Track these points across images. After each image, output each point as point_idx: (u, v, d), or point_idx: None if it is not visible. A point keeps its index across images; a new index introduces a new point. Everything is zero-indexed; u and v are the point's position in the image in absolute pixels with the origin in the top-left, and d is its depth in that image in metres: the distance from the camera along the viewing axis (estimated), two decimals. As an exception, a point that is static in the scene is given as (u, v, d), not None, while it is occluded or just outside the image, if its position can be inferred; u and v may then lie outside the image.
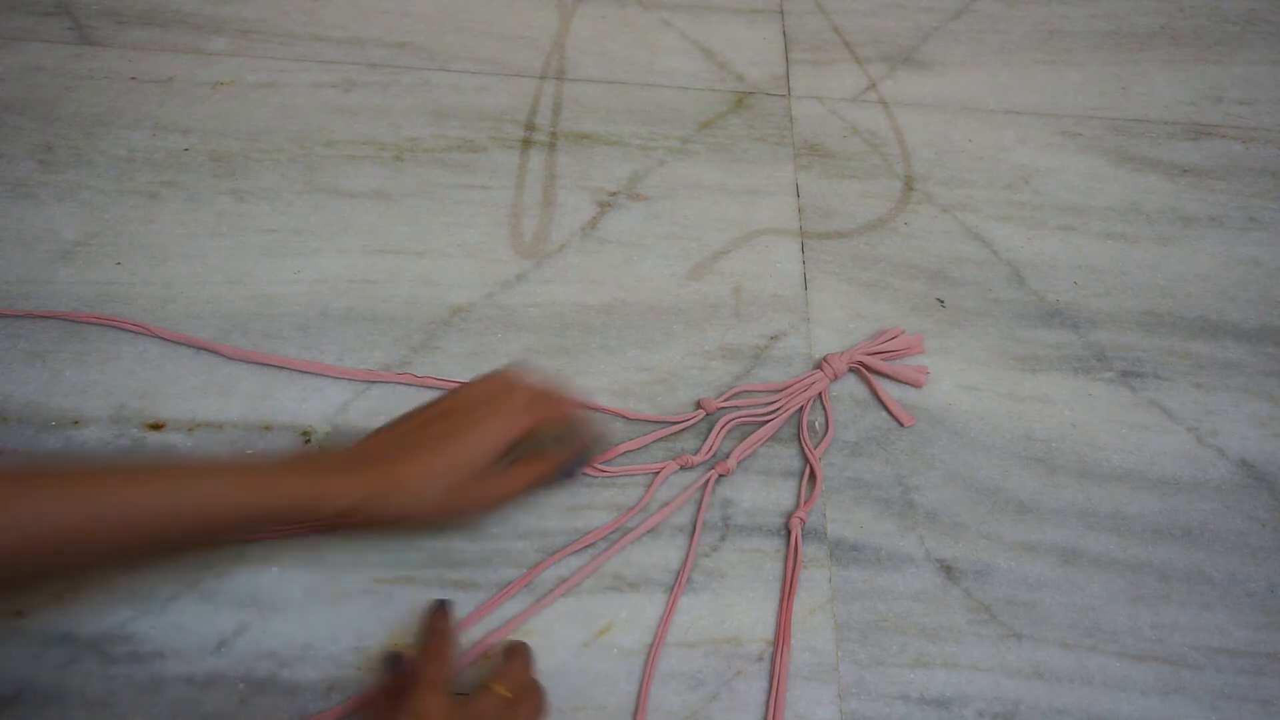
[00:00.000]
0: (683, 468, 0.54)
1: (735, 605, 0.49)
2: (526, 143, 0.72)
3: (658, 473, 0.53)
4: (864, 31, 0.85)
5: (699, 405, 0.57)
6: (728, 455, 0.54)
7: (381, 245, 0.64)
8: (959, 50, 0.84)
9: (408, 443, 0.42)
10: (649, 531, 0.51)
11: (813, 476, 0.54)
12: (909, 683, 0.47)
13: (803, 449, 0.55)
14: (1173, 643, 0.50)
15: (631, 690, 0.46)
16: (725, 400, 0.57)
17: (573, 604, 0.49)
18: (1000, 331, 0.63)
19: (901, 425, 0.57)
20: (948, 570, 0.51)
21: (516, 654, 0.44)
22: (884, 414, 0.58)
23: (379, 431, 0.44)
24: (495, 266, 0.63)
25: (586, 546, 0.50)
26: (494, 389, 0.44)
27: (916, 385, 0.59)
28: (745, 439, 0.55)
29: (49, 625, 0.46)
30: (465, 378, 0.56)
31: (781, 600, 0.49)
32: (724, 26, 0.84)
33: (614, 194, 0.69)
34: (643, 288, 0.63)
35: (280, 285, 0.61)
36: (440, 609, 0.44)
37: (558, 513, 0.52)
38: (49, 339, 0.56)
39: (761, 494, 0.54)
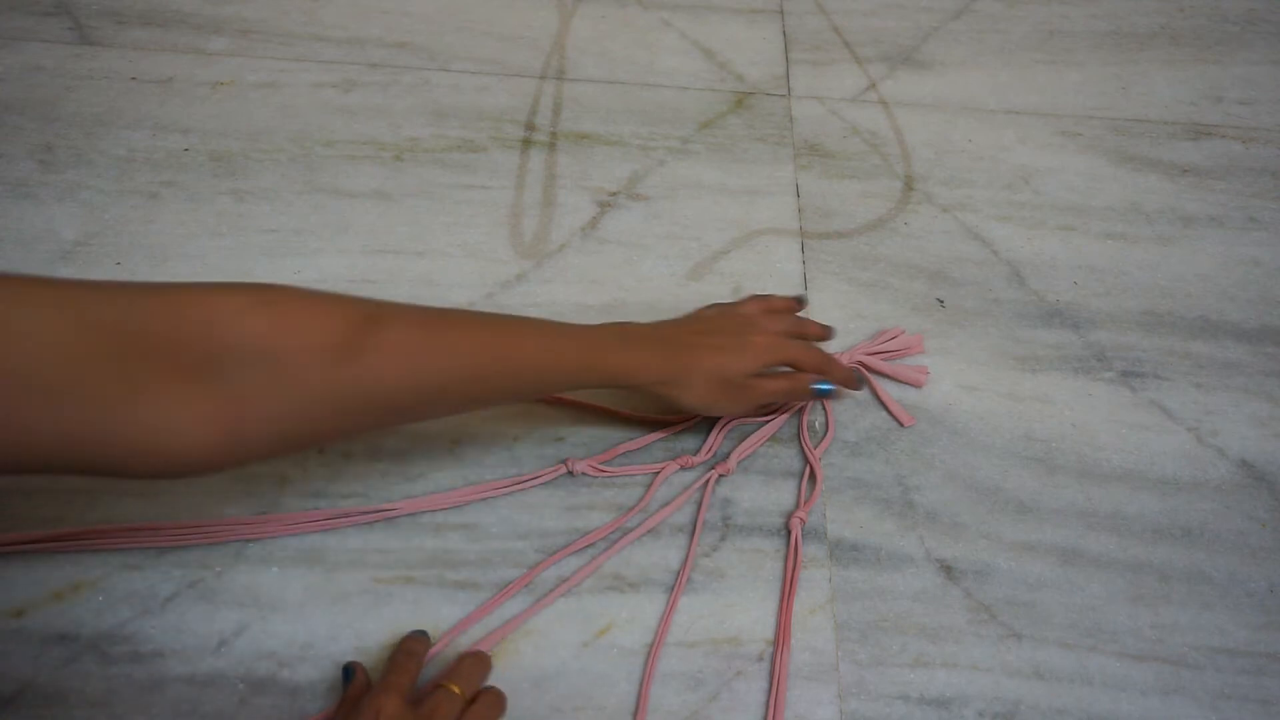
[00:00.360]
0: (683, 468, 0.54)
1: (735, 605, 0.49)
2: (526, 143, 0.72)
3: (658, 473, 0.53)
4: (864, 31, 0.85)
5: None
6: (727, 455, 0.54)
7: (381, 245, 0.64)
8: (959, 50, 0.84)
9: (696, 343, 0.50)
10: (649, 532, 0.51)
11: (813, 476, 0.54)
12: (909, 683, 0.47)
13: (803, 449, 0.55)
14: (1173, 643, 0.50)
15: (631, 690, 0.46)
16: None
17: (573, 604, 0.49)
18: (1000, 331, 0.63)
19: (902, 425, 0.57)
20: (948, 570, 0.51)
21: (471, 657, 0.44)
22: (884, 414, 0.58)
23: (667, 323, 0.53)
24: (495, 266, 0.63)
25: (587, 546, 0.50)
26: (739, 323, 0.53)
27: (916, 385, 0.59)
28: (745, 439, 0.55)
29: (49, 625, 0.46)
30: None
31: (781, 600, 0.49)
32: (724, 26, 0.84)
33: (614, 194, 0.69)
34: (643, 288, 0.63)
35: (280, 285, 0.61)
36: (418, 635, 0.45)
37: (557, 513, 0.52)
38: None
39: (761, 494, 0.54)
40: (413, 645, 0.44)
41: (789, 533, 0.52)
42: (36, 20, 0.77)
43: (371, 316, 0.39)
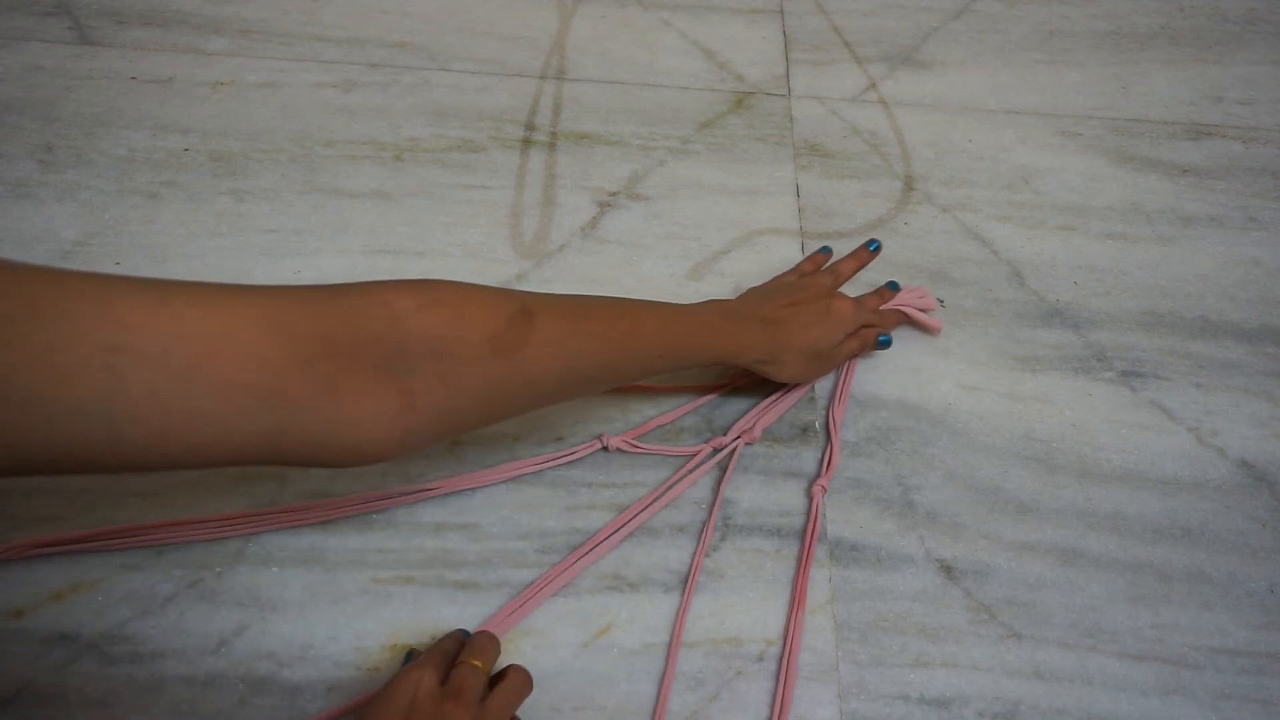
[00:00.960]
0: (715, 449, 0.54)
1: (735, 605, 0.49)
2: (526, 143, 0.72)
3: (693, 455, 0.54)
4: (864, 31, 0.85)
5: (725, 375, 0.58)
6: (753, 426, 0.55)
7: (381, 245, 0.64)
8: (959, 50, 0.84)
9: (790, 318, 0.53)
10: (649, 531, 0.51)
11: (831, 446, 0.55)
12: (909, 683, 0.47)
13: (827, 418, 0.57)
14: (1173, 643, 0.50)
15: (632, 690, 0.46)
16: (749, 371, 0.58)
17: (572, 604, 0.49)
18: (1000, 331, 0.63)
19: (934, 333, 0.61)
20: (948, 570, 0.51)
21: (484, 635, 0.44)
22: (884, 414, 0.58)
23: (754, 296, 0.56)
24: (495, 266, 0.63)
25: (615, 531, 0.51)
26: (826, 290, 0.56)
27: (928, 309, 0.61)
28: (768, 411, 0.56)
29: (49, 625, 0.46)
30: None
31: (798, 571, 0.50)
32: (724, 26, 0.84)
33: (614, 194, 0.69)
34: (643, 288, 0.63)
35: (280, 285, 0.61)
36: (465, 635, 0.45)
37: (557, 513, 0.52)
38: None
39: (761, 494, 0.54)
40: (459, 637, 0.45)
41: (810, 500, 0.53)
42: (36, 20, 0.77)
43: (525, 309, 0.41)
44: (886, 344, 0.58)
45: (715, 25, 0.85)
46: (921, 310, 0.61)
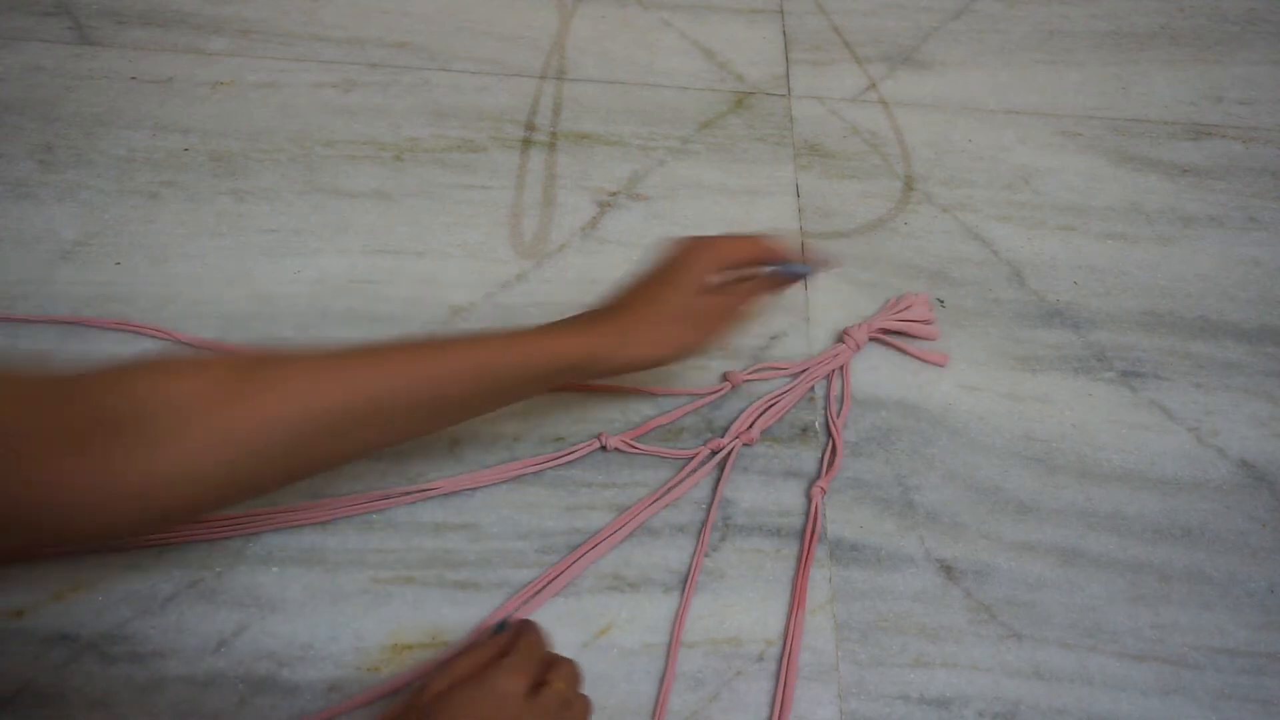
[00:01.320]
0: (714, 452, 0.54)
1: (735, 605, 0.49)
2: (526, 143, 0.72)
3: (691, 458, 0.54)
4: (864, 31, 0.85)
5: (724, 378, 0.58)
6: (750, 426, 0.55)
7: (381, 245, 0.64)
8: (959, 50, 0.84)
9: (627, 301, 0.48)
10: (649, 531, 0.51)
11: (834, 449, 0.55)
12: (909, 683, 0.47)
13: (828, 421, 0.56)
14: (1173, 643, 0.50)
15: (631, 690, 0.46)
16: (749, 374, 0.58)
17: (572, 604, 0.49)
18: (1000, 331, 0.63)
19: (940, 366, 0.60)
20: (948, 570, 0.51)
21: (574, 666, 0.43)
22: (884, 414, 0.58)
23: (602, 304, 0.49)
24: (495, 266, 0.63)
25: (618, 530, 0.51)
26: (673, 247, 0.50)
27: (931, 338, 0.61)
28: (766, 411, 0.56)
29: (49, 625, 0.46)
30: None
31: (798, 571, 0.50)
32: (724, 26, 0.84)
33: (614, 194, 0.69)
34: (643, 288, 0.63)
35: (280, 285, 0.61)
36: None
37: (557, 513, 0.52)
38: (49, 339, 0.56)
39: (761, 494, 0.54)
40: (541, 638, 0.43)
41: (809, 501, 0.53)
42: (36, 20, 0.77)
43: (259, 359, 0.39)
44: (796, 274, 0.51)
45: (715, 25, 0.85)
46: (923, 322, 0.61)
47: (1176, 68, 0.84)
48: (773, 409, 0.56)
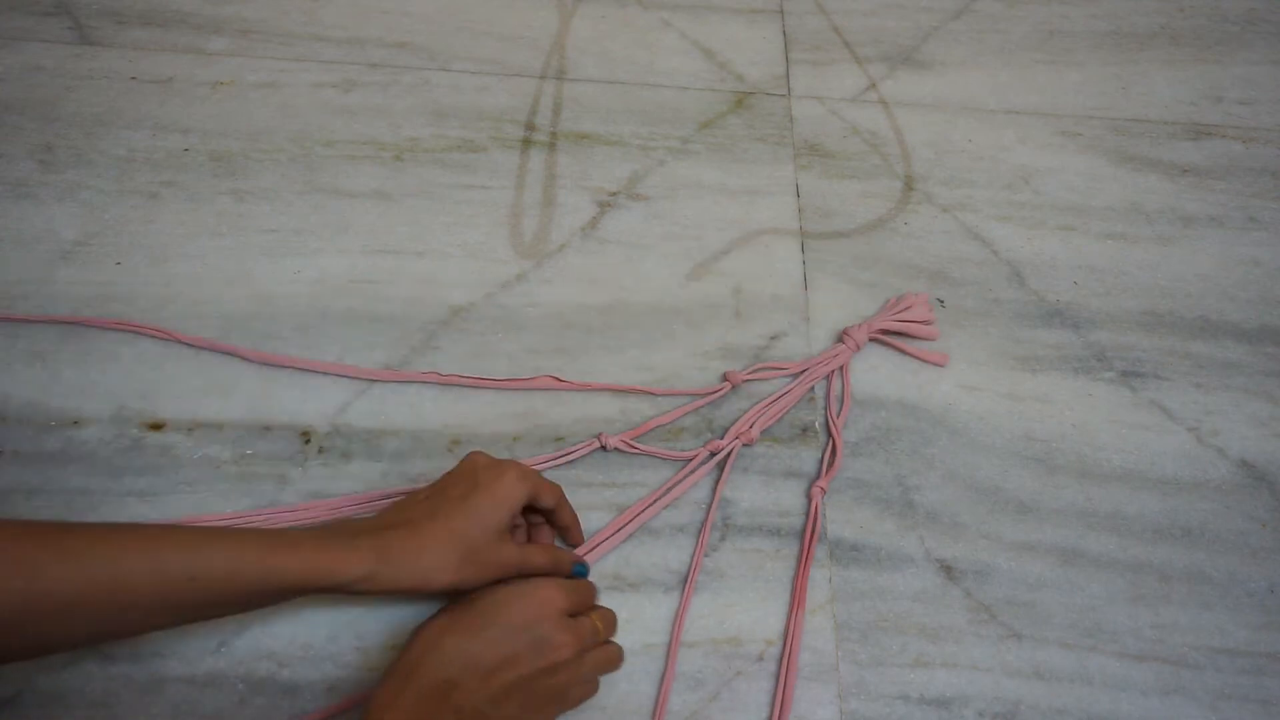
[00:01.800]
0: (713, 453, 0.54)
1: (735, 605, 0.49)
2: (526, 143, 0.72)
3: (690, 459, 0.54)
4: (864, 31, 0.85)
5: (724, 378, 0.58)
6: (750, 428, 0.55)
7: (381, 245, 0.64)
8: (959, 50, 0.84)
9: (414, 516, 0.43)
10: (649, 532, 0.51)
11: (834, 449, 0.55)
12: (909, 683, 0.47)
13: (828, 421, 0.56)
14: (1173, 643, 0.50)
15: (631, 690, 0.46)
16: (749, 374, 0.58)
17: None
18: (1000, 331, 0.63)
19: (940, 366, 0.60)
20: (948, 570, 0.51)
21: (612, 615, 0.46)
22: (884, 414, 0.58)
23: (390, 508, 0.45)
24: (495, 266, 0.63)
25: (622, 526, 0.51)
26: (482, 465, 0.45)
27: (931, 338, 0.61)
28: (767, 412, 0.56)
29: (49, 625, 0.46)
30: (465, 376, 0.57)
31: (798, 571, 0.50)
32: (724, 26, 0.84)
33: (614, 194, 0.69)
34: (643, 288, 0.63)
35: (280, 285, 0.61)
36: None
37: (558, 513, 0.52)
38: (49, 339, 0.56)
39: (761, 494, 0.54)
40: (589, 583, 0.47)
41: (809, 501, 0.53)
42: (36, 20, 0.77)
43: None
44: (580, 573, 0.48)
45: (715, 25, 0.85)
46: (923, 322, 0.61)
47: (1176, 68, 0.84)
48: (773, 409, 0.56)
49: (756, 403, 0.57)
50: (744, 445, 0.55)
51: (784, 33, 0.85)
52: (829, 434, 0.56)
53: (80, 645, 0.38)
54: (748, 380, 0.58)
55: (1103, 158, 0.75)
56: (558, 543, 0.50)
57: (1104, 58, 0.85)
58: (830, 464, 0.54)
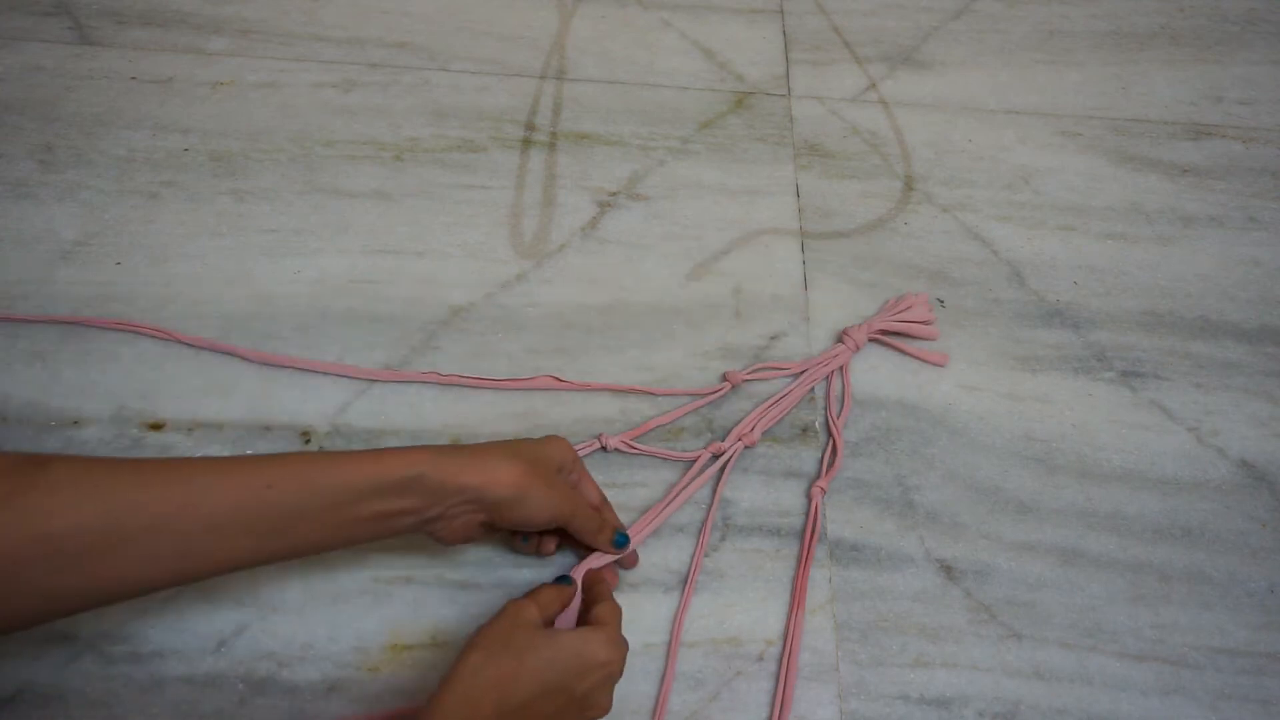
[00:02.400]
0: (715, 455, 0.54)
1: (735, 605, 0.49)
2: (526, 143, 0.72)
3: (694, 461, 0.54)
4: (864, 31, 0.85)
5: (724, 378, 0.58)
6: (752, 430, 0.55)
7: (381, 245, 0.64)
8: (959, 50, 0.84)
9: (481, 445, 0.44)
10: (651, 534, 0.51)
11: (834, 449, 0.55)
12: (909, 683, 0.47)
13: (828, 421, 0.56)
14: (1173, 643, 0.50)
15: (631, 690, 0.46)
16: (749, 373, 0.58)
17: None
18: (1000, 331, 0.63)
19: (940, 366, 0.60)
20: (948, 570, 0.51)
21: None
22: (884, 414, 0.58)
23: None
24: (495, 266, 0.63)
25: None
26: (561, 441, 0.46)
27: (931, 338, 0.61)
28: (768, 413, 0.56)
29: (49, 625, 0.46)
30: (465, 375, 0.57)
31: (798, 571, 0.50)
32: (724, 26, 0.84)
33: (614, 194, 0.69)
34: (643, 288, 0.63)
35: (280, 285, 0.61)
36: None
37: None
38: (49, 339, 0.56)
39: (761, 494, 0.54)
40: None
41: (809, 501, 0.53)
42: (36, 20, 0.77)
43: (37, 460, 0.36)
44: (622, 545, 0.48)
45: (715, 25, 0.85)
46: (923, 322, 0.61)
47: (1176, 68, 0.84)
48: (773, 411, 0.56)
49: (758, 404, 0.57)
50: (745, 447, 0.55)
51: (784, 33, 0.85)
52: (829, 434, 0.56)
53: (165, 582, 0.38)
54: (747, 380, 0.58)
55: (1103, 158, 0.75)
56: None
57: (1104, 58, 0.85)
58: (831, 464, 0.54)
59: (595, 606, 0.43)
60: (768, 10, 0.87)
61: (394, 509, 0.41)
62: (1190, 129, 0.79)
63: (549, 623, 0.43)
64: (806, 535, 0.51)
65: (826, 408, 0.57)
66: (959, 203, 0.71)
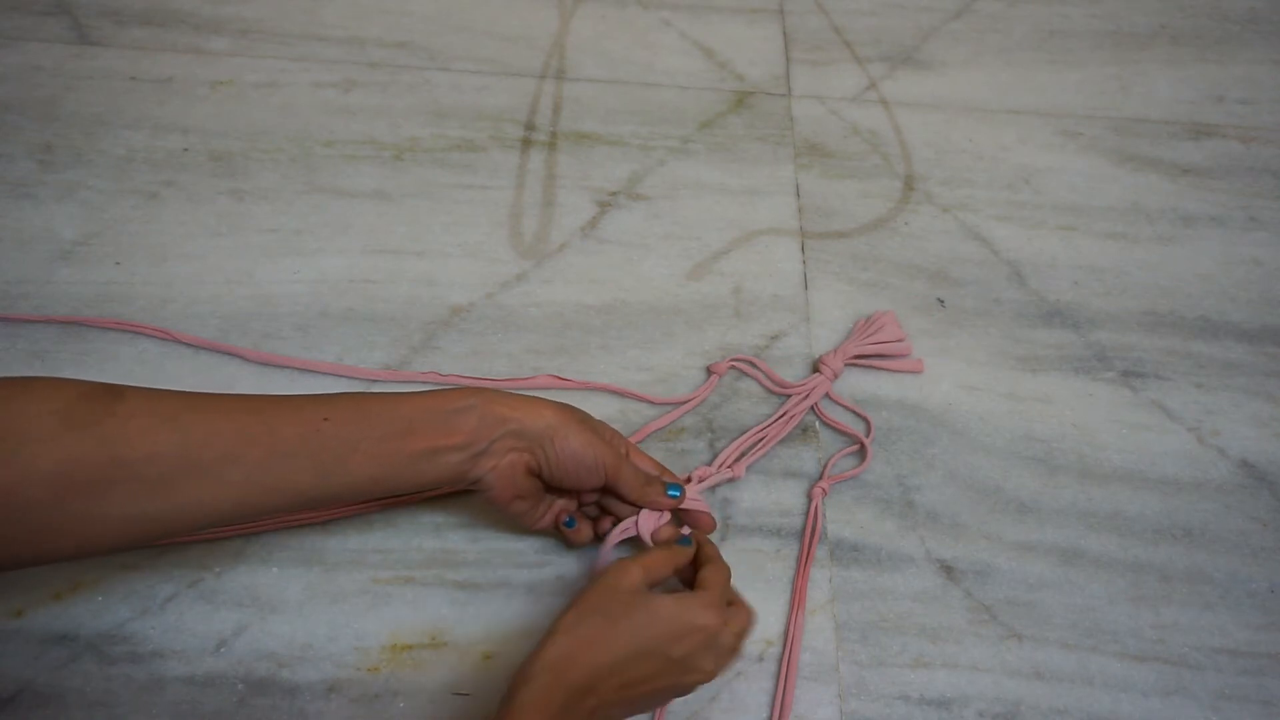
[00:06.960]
0: (700, 480, 0.52)
1: (735, 605, 0.49)
2: (526, 142, 0.72)
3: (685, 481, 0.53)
4: (864, 31, 0.85)
5: (709, 371, 0.58)
6: (738, 460, 0.54)
7: (381, 245, 0.64)
8: (959, 50, 0.84)
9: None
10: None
11: (863, 451, 0.55)
12: (909, 683, 0.47)
13: (861, 444, 0.56)
14: (1173, 643, 0.49)
15: (631, 690, 0.46)
16: (730, 363, 0.58)
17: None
18: (1000, 331, 0.63)
19: (918, 374, 0.59)
20: (948, 570, 0.51)
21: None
22: (884, 414, 0.57)
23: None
24: (495, 266, 0.63)
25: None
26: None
27: (904, 355, 0.60)
28: (755, 446, 0.55)
29: (49, 625, 0.46)
30: (465, 375, 0.56)
31: (798, 571, 0.50)
32: (724, 26, 0.84)
33: (614, 194, 0.69)
34: (643, 288, 0.63)
35: (280, 285, 0.61)
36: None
37: (558, 513, 0.52)
38: (48, 339, 0.56)
39: (761, 494, 0.53)
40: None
41: (809, 501, 0.53)
42: (36, 20, 0.77)
43: (113, 389, 0.37)
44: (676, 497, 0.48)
45: (715, 25, 0.84)
46: (895, 340, 0.60)
47: (1177, 67, 0.84)
48: (760, 444, 0.55)
49: (744, 431, 0.55)
50: (731, 480, 0.53)
51: (784, 32, 0.85)
52: (861, 445, 0.55)
53: (231, 514, 0.39)
54: (732, 367, 0.58)
55: (1103, 158, 0.75)
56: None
57: (1104, 58, 0.85)
58: (860, 461, 0.55)
59: (702, 568, 0.44)
60: (768, 10, 0.87)
61: (443, 444, 0.42)
62: (1191, 129, 0.79)
63: (655, 585, 0.42)
64: (807, 535, 0.51)
65: (820, 405, 0.57)
66: (959, 202, 0.71)
